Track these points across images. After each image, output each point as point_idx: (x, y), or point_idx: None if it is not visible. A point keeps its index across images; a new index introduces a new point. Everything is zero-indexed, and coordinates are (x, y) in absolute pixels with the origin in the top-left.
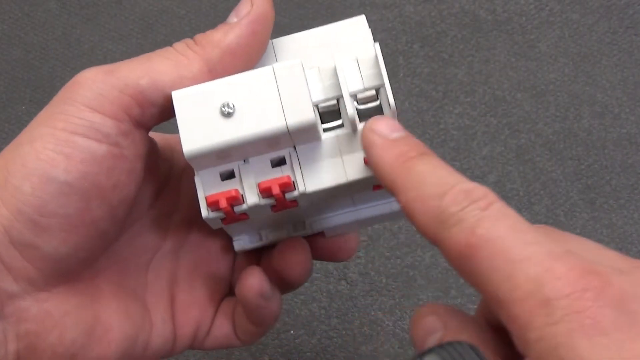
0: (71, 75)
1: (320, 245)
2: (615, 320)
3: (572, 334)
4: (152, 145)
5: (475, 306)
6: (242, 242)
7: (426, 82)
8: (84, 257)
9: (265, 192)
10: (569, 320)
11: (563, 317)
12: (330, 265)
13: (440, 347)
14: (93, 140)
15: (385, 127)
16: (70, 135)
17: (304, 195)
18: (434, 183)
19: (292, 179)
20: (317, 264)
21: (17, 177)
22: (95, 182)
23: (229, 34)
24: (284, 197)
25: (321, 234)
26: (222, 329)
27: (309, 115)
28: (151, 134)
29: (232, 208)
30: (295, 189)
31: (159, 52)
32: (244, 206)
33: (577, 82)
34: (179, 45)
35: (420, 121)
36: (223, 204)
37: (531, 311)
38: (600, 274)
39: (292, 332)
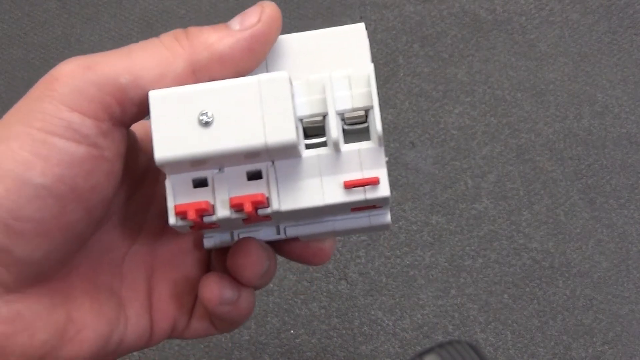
0: None
1: (294, 249)
2: None
3: None
4: (132, 140)
5: (476, 306)
6: (213, 240)
7: (426, 82)
8: (59, 259)
9: (237, 207)
10: None
11: None
12: (331, 265)
13: (440, 346)
14: (71, 141)
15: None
16: (48, 136)
17: (277, 212)
18: None
19: (267, 195)
20: None
21: None
22: (72, 185)
23: (224, 40)
24: (257, 213)
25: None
26: (200, 322)
27: (290, 135)
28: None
29: (202, 218)
30: (268, 206)
31: (143, 44)
32: (214, 218)
33: (577, 82)
34: (167, 38)
35: (420, 121)
36: (192, 215)
37: None
38: None
39: (292, 331)
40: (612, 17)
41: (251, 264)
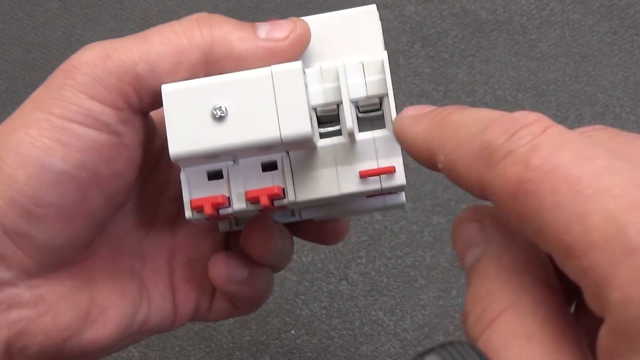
0: None
1: (310, 229)
2: None
3: None
4: (150, 125)
5: None
6: (228, 223)
7: (427, 82)
8: (80, 244)
9: (253, 200)
10: None
11: None
12: (331, 265)
13: (441, 347)
14: (92, 128)
15: (415, 109)
16: (68, 123)
17: (293, 203)
18: (474, 122)
19: (282, 186)
20: (318, 264)
21: (11, 165)
22: (93, 172)
23: (245, 43)
24: (273, 204)
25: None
26: (222, 302)
27: (305, 128)
28: None
29: (218, 211)
30: (284, 197)
31: (160, 29)
32: (230, 210)
33: (578, 82)
34: (187, 22)
35: None
36: (208, 209)
37: (613, 262)
38: None
39: (293, 332)
40: (613, 18)
41: (262, 239)
